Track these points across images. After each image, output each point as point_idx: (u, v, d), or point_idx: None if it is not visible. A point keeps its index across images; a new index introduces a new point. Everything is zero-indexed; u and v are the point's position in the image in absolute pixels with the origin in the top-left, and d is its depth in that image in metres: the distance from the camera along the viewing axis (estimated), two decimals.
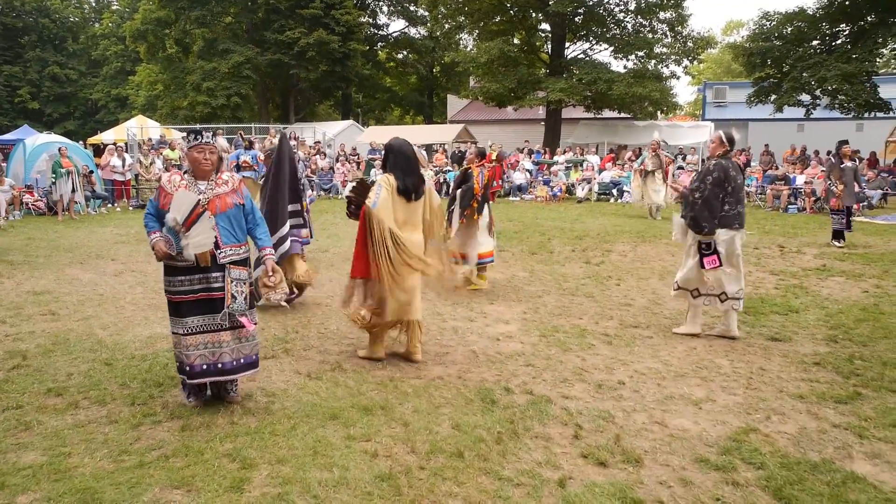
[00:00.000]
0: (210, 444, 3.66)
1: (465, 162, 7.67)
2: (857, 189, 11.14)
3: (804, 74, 19.99)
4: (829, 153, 19.94)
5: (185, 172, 4.12)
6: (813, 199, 15.93)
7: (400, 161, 4.91)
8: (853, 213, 10.97)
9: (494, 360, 5.20)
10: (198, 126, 24.97)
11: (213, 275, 4.03)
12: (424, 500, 3.12)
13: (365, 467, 3.41)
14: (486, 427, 3.91)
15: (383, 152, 5.23)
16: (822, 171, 15.32)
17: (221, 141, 3.95)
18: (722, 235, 5.64)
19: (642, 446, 3.71)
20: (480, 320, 6.38)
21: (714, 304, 5.82)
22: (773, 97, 21.59)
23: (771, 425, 3.99)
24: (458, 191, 7.40)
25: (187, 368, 4.06)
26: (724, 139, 5.75)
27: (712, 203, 5.61)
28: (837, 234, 10.58)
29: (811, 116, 22.06)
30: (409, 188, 4.85)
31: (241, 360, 4.18)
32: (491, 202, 7.71)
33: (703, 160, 18.59)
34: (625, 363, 5.12)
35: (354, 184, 5.21)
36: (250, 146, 18.24)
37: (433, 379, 4.76)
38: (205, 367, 4.06)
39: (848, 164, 10.85)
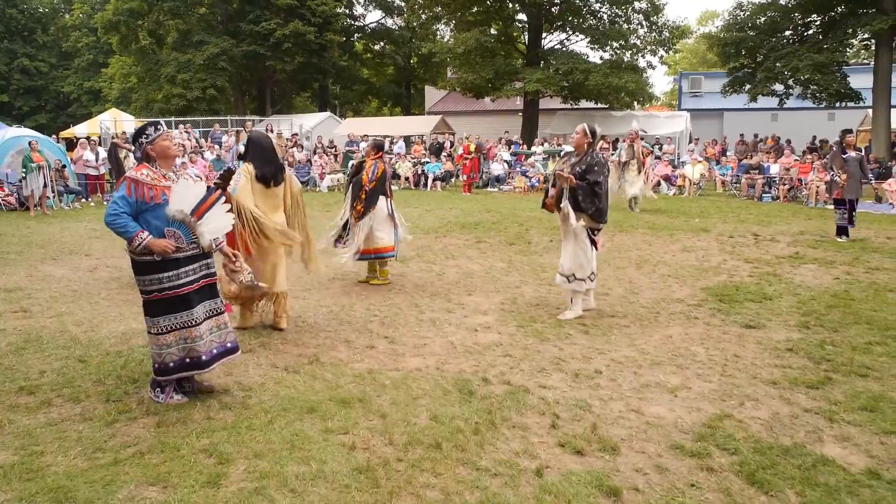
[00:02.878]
0: (186, 440, 3.63)
1: (364, 155, 7.65)
2: (863, 180, 10.73)
3: (777, 64, 20.24)
4: (821, 143, 20.22)
5: (151, 164, 4.03)
6: (787, 188, 16.15)
7: (258, 152, 5.53)
8: (856, 207, 10.48)
9: (472, 350, 5.22)
10: (168, 119, 24.67)
11: (209, 261, 4.17)
12: (402, 491, 3.13)
13: (342, 460, 3.41)
14: (463, 418, 3.92)
15: (244, 145, 5.88)
16: (824, 162, 15.40)
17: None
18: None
19: (619, 434, 3.75)
20: (458, 311, 6.39)
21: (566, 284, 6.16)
22: (748, 87, 21.84)
23: (745, 411, 4.05)
24: (351, 183, 7.43)
25: (187, 361, 4.05)
26: (588, 131, 5.96)
27: (608, 194, 5.98)
28: (841, 230, 10.29)
29: (784, 106, 22.34)
30: (268, 175, 5.45)
31: (231, 344, 4.34)
32: (390, 197, 7.58)
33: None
34: (602, 352, 5.16)
35: (222, 173, 5.77)
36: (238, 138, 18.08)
37: (411, 371, 4.76)
38: (213, 351, 4.13)
39: (852, 154, 10.43)
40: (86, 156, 17.28)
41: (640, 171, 13.74)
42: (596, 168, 5.85)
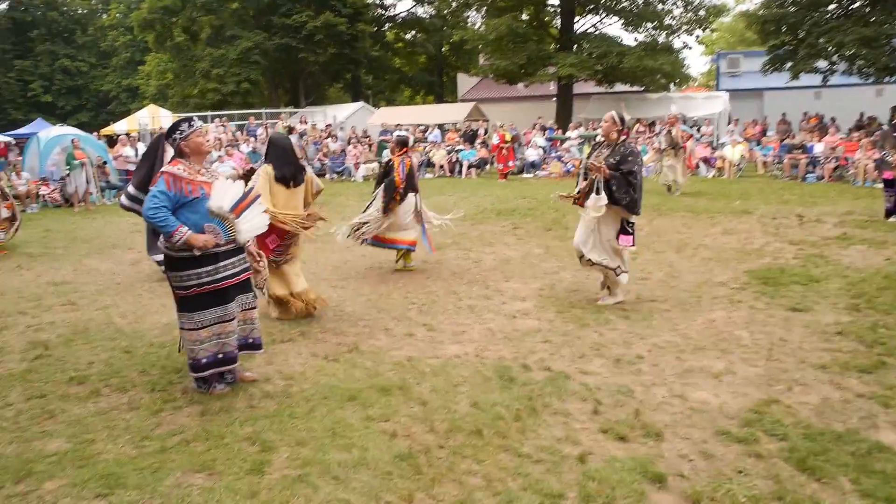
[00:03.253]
0: (230, 428, 3.68)
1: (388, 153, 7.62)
2: None
3: (821, 40, 19.57)
4: (868, 120, 19.56)
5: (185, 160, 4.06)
6: (832, 167, 15.67)
7: (278, 153, 5.65)
8: None
9: (511, 337, 5.18)
10: (203, 113, 25.02)
11: (244, 255, 4.23)
12: (444, 478, 3.12)
13: (384, 447, 3.42)
14: (504, 404, 3.90)
15: (266, 146, 6.04)
16: (873, 139, 14.85)
17: None
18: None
19: (662, 420, 3.69)
20: (496, 298, 6.35)
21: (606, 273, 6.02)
22: (789, 65, 21.17)
23: (793, 396, 3.94)
24: (382, 185, 7.31)
25: (220, 356, 4.10)
26: (618, 119, 5.78)
27: (642, 184, 5.76)
28: (890, 212, 9.85)
29: (828, 83, 21.62)
30: (287, 176, 5.56)
31: (254, 339, 4.42)
32: (417, 191, 7.52)
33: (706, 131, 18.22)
34: (643, 337, 5.08)
35: (244, 172, 5.81)
36: (290, 131, 18.36)
37: (450, 358, 4.75)
38: (203, 360, 4.10)
39: None
40: (125, 152, 17.63)
41: (678, 157, 13.32)
42: (630, 158, 5.68)
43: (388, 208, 7.24)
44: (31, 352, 5.14)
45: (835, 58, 20.17)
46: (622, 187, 5.65)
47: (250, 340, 4.37)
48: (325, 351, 4.96)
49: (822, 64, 20.70)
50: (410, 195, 7.36)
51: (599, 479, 3.08)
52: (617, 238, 5.79)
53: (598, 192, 5.66)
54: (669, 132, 13.37)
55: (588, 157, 6.07)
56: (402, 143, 7.59)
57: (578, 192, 5.97)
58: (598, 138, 6.36)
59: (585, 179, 5.93)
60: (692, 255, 7.92)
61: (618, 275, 5.92)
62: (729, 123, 22.36)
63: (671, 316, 5.61)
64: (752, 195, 13.17)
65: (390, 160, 7.49)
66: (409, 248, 7.53)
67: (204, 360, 4.06)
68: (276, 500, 2.96)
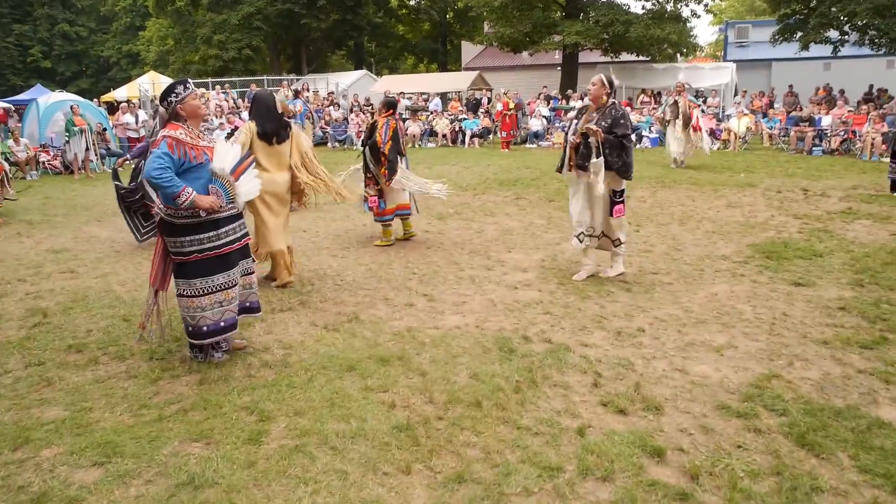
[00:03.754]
0: (228, 398, 3.67)
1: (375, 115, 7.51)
2: None
3: (833, 9, 19.18)
4: (878, 92, 19.30)
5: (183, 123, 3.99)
6: (840, 140, 15.49)
7: (261, 110, 5.63)
8: None
9: (512, 308, 5.15)
10: (205, 80, 24.75)
11: (243, 220, 4.21)
12: (442, 450, 3.11)
13: (382, 418, 3.40)
14: (504, 376, 3.88)
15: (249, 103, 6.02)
16: (882, 112, 14.62)
17: None
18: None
19: (662, 394, 3.67)
20: (498, 269, 6.31)
21: (606, 245, 5.92)
22: (799, 34, 20.79)
23: (794, 371, 3.92)
24: (367, 148, 7.22)
25: (221, 324, 4.06)
26: (606, 82, 5.60)
27: (632, 148, 5.60)
28: (895, 186, 9.73)
29: (839, 54, 21.27)
30: (269, 132, 5.52)
31: (251, 304, 4.41)
32: (404, 154, 7.40)
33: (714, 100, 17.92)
34: (644, 310, 5.05)
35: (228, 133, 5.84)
36: (296, 95, 18.21)
37: (450, 329, 4.73)
38: (205, 328, 4.05)
39: None
40: (126, 119, 17.48)
41: (685, 128, 12.93)
42: (622, 121, 5.51)
43: (377, 172, 7.15)
44: (30, 319, 5.13)
45: (846, 28, 19.79)
46: (615, 151, 5.46)
47: (248, 304, 4.35)
48: (325, 320, 4.94)
49: (833, 34, 20.33)
50: (402, 160, 7.26)
51: (598, 452, 3.06)
52: (611, 210, 5.66)
53: (598, 156, 5.48)
54: (676, 102, 13.00)
55: (575, 124, 5.82)
56: (389, 105, 7.43)
57: (569, 160, 5.73)
58: (576, 104, 6.18)
59: (574, 148, 5.67)
60: (695, 228, 7.85)
61: (616, 246, 5.86)
62: (736, 95, 22.08)
63: (673, 289, 5.57)
64: (758, 168, 13.05)
65: (375, 120, 7.39)
66: (403, 212, 7.44)
67: (205, 328, 4.02)
68: (273, 470, 2.96)
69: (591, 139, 5.49)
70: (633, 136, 5.66)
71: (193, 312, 4.01)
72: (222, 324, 4.07)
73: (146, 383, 3.92)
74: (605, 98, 5.60)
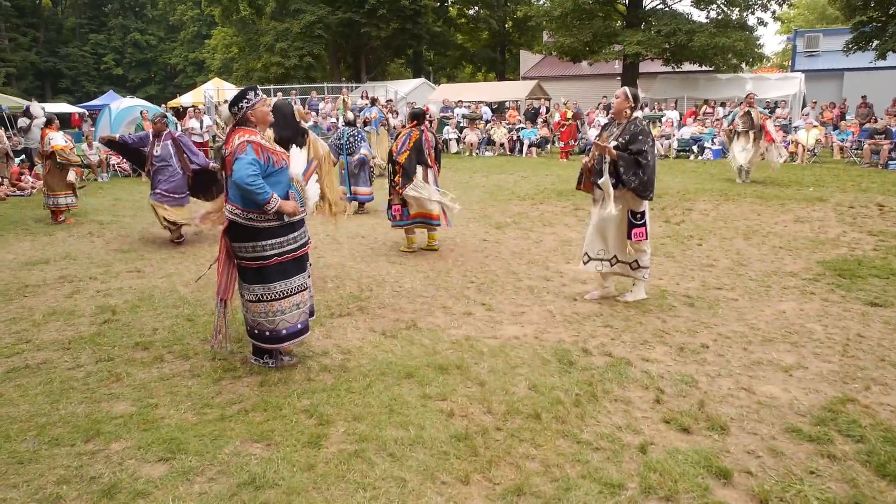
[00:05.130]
0: (288, 400, 3.71)
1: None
2: None
3: None
4: None
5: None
6: None
7: (278, 118, 5.53)
8: None
9: (571, 320, 5.07)
10: (266, 87, 25.34)
11: (306, 225, 4.23)
12: (501, 461, 3.07)
13: (441, 426, 3.38)
14: (563, 389, 3.82)
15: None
16: None
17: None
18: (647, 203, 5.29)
19: (728, 413, 3.54)
20: (556, 280, 6.23)
21: (624, 270, 5.53)
22: (876, 43, 19.96)
23: (871, 396, 3.73)
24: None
25: (299, 326, 4.12)
26: (630, 95, 5.32)
27: (655, 166, 5.23)
28: None
29: None
30: (285, 139, 5.42)
31: (312, 305, 4.36)
32: (432, 166, 7.31)
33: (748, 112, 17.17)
34: (708, 326, 4.90)
35: None
36: (373, 103, 18.53)
37: (509, 339, 4.68)
38: (284, 331, 4.08)
39: None
40: (191, 124, 18.04)
41: (756, 140, 12.23)
42: (640, 137, 5.22)
43: (392, 183, 7.28)
44: (100, 316, 5.32)
45: None
46: (630, 168, 5.19)
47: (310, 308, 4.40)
48: (383, 327, 4.96)
49: None
50: (419, 169, 7.20)
51: (661, 470, 2.97)
52: (629, 233, 5.32)
53: (602, 176, 5.28)
54: (749, 112, 12.32)
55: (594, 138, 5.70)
56: (413, 116, 7.49)
57: (583, 178, 5.60)
58: (606, 118, 5.93)
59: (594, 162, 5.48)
60: (761, 243, 7.60)
61: (633, 269, 5.47)
62: (804, 106, 21.35)
63: (738, 305, 5.40)
64: (828, 182, 12.56)
65: (400, 131, 7.53)
66: (429, 221, 7.40)
67: (284, 331, 4.06)
68: (332, 474, 2.97)
69: (599, 155, 5.32)
70: (654, 152, 5.28)
71: (273, 317, 4.02)
72: (299, 326, 4.13)
73: (209, 382, 4.00)
74: (628, 112, 5.35)
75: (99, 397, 3.83)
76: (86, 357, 4.45)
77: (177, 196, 8.09)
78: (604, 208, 5.32)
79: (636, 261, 5.43)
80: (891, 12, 19.60)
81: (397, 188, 7.19)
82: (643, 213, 5.31)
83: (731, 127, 12.71)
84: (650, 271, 5.60)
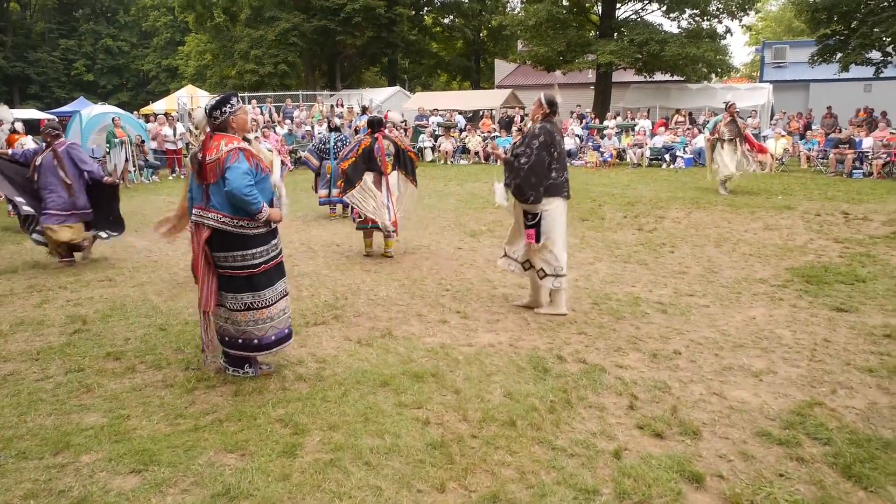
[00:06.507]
0: (262, 409, 3.69)
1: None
2: None
3: (875, 30, 18.86)
4: None
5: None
6: (881, 163, 15.16)
7: None
8: None
9: (546, 327, 5.11)
10: (241, 94, 25.18)
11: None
12: (477, 468, 3.09)
13: (416, 435, 3.39)
14: (538, 396, 3.84)
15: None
16: None
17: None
18: (547, 205, 5.24)
19: (700, 418, 3.59)
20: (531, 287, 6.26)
21: (516, 270, 5.62)
22: (840, 55, 20.48)
23: (838, 399, 3.81)
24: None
25: (286, 332, 4.14)
26: (545, 102, 5.31)
27: (539, 170, 5.17)
28: None
29: (880, 76, 20.89)
30: None
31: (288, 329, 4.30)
32: (385, 174, 7.32)
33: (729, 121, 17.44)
34: (680, 332, 4.97)
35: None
36: (364, 111, 18.49)
37: (484, 346, 4.70)
38: (273, 337, 4.08)
39: None
40: (164, 131, 17.86)
41: (739, 147, 12.22)
42: (527, 140, 5.27)
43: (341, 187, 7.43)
44: (70, 325, 5.24)
45: (889, 48, 19.43)
46: (509, 172, 5.29)
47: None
48: (359, 335, 4.95)
49: (875, 55, 19.99)
50: (371, 175, 7.24)
51: (635, 475, 3.01)
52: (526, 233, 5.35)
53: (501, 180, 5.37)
54: (734, 121, 12.33)
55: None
56: (370, 124, 7.57)
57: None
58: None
59: None
60: (732, 250, 7.73)
61: (540, 278, 5.41)
62: (773, 116, 21.80)
63: (710, 312, 5.48)
64: (795, 190, 12.83)
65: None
66: (371, 226, 7.44)
67: (273, 337, 4.06)
68: (307, 484, 2.95)
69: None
70: (538, 156, 5.17)
71: (263, 324, 4.01)
72: (286, 331, 4.15)
73: (182, 392, 3.96)
74: (539, 118, 5.37)
75: (69, 409, 3.76)
76: (55, 368, 4.37)
77: (63, 214, 7.24)
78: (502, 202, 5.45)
79: (542, 268, 5.40)
80: (853, 26, 20.14)
81: (339, 192, 7.37)
82: (535, 215, 5.29)
83: (714, 136, 12.55)
84: (563, 282, 5.42)
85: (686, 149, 18.42)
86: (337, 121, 10.83)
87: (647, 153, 18.83)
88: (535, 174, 5.17)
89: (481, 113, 26.04)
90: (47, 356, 4.58)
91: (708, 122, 19.10)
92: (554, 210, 5.29)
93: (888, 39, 18.89)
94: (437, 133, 21.67)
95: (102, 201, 7.59)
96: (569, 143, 19.97)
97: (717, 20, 24.16)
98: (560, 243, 5.36)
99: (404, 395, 3.85)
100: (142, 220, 10.45)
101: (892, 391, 3.90)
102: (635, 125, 20.29)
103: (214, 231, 3.87)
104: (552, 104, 5.35)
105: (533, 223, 5.28)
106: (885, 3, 19.82)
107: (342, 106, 23.26)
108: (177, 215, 5.37)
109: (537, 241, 5.28)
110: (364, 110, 19.24)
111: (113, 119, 15.87)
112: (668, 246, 8.00)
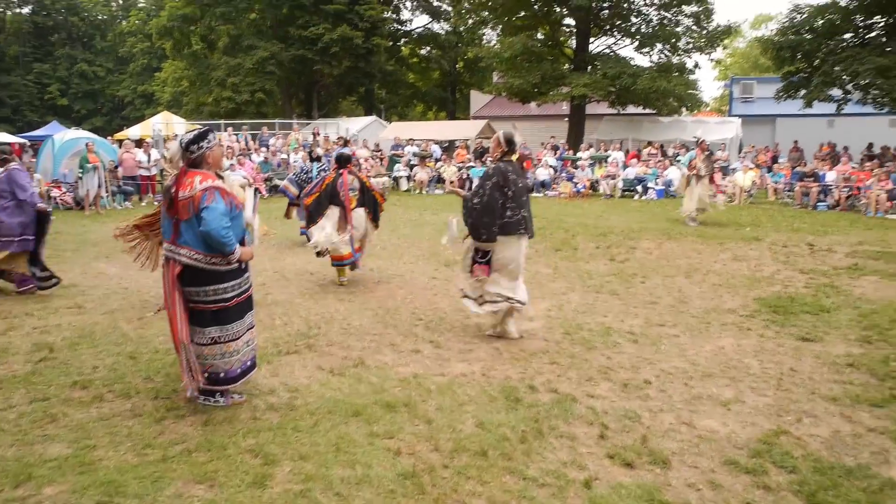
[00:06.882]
0: (233, 440, 3.65)
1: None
2: None
3: (836, 68, 19.55)
4: (882, 150, 19.47)
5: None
6: (845, 196, 15.59)
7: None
8: None
9: (518, 357, 5.14)
10: (217, 122, 25.16)
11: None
12: (448, 499, 3.08)
13: (388, 465, 3.38)
14: (510, 426, 3.86)
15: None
16: (887, 169, 14.66)
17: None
18: (504, 242, 5.34)
19: (670, 447, 3.64)
20: None
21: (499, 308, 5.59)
22: (803, 92, 21.15)
23: (803, 428, 3.89)
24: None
25: (248, 364, 4.12)
26: (503, 140, 5.43)
27: (492, 209, 5.25)
28: None
29: (842, 112, 21.58)
30: None
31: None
32: (347, 209, 7.32)
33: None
34: (651, 362, 5.03)
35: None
36: (345, 144, 18.52)
37: (457, 376, 4.71)
38: (238, 370, 4.07)
39: None
40: (139, 156, 17.73)
41: (709, 183, 12.56)
42: (479, 180, 5.40)
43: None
44: (36, 354, 5.13)
45: (849, 87, 20.13)
46: (465, 210, 5.42)
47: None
48: (331, 364, 4.93)
49: (836, 92, 20.67)
50: (335, 210, 7.30)
51: None
52: (472, 267, 5.47)
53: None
54: (709, 156, 12.65)
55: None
56: (337, 160, 7.64)
57: None
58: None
59: None
60: (702, 281, 7.87)
61: (480, 304, 5.52)
62: (741, 149, 22.33)
63: (680, 341, 5.56)
64: (763, 222, 13.12)
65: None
66: (345, 262, 7.47)
67: (239, 370, 4.06)
68: None
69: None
70: (490, 196, 5.27)
71: (229, 357, 4.01)
72: (249, 363, 4.14)
73: (151, 422, 3.90)
74: (498, 156, 5.48)
75: (32, 439, 3.68)
76: (19, 397, 4.28)
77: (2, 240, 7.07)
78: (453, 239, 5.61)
79: (481, 295, 5.52)
80: (815, 64, 20.84)
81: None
82: (484, 253, 5.39)
83: (692, 172, 12.62)
84: (494, 307, 5.51)
85: (658, 180, 18.77)
86: (319, 150, 10.83)
87: (620, 184, 19.14)
88: (488, 214, 5.27)
89: (457, 143, 26.29)
90: (11, 385, 4.48)
91: (678, 154, 19.56)
92: (507, 248, 5.38)
93: (847, 78, 19.56)
94: (412, 162, 21.80)
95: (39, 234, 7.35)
96: (543, 174, 20.26)
97: (686, 55, 24.86)
98: (509, 278, 5.45)
99: (376, 425, 3.84)
100: (113, 246, 10.31)
101: (855, 420, 3.98)
102: (608, 157, 20.64)
103: (186, 267, 3.86)
104: (510, 142, 5.45)
105: (485, 260, 5.38)
106: (844, 44, 20.58)
107: (319, 135, 23.34)
108: (136, 222, 5.53)
109: (488, 274, 5.39)
110: (346, 143, 19.33)
111: (87, 144, 15.73)
112: (640, 276, 8.12)
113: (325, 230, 7.20)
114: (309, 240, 7.52)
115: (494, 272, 5.39)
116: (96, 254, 9.69)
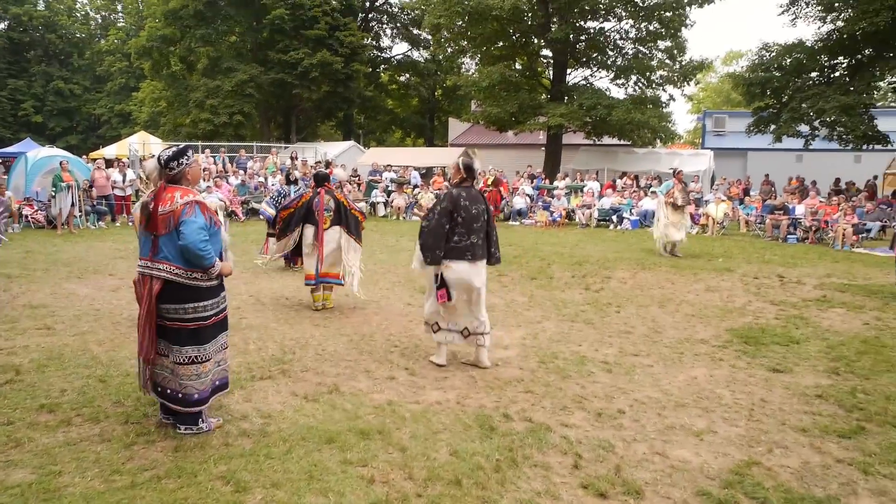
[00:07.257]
0: (204, 466, 3.59)
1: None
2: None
3: (803, 105, 20.15)
4: (847, 185, 19.98)
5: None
6: (814, 230, 15.94)
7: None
8: None
9: (493, 385, 5.14)
10: (195, 143, 25.05)
11: None
12: None
13: (361, 493, 3.35)
14: (484, 454, 3.85)
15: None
16: (852, 204, 15.00)
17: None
18: (452, 266, 5.39)
19: (643, 477, 3.65)
20: None
21: (455, 340, 5.64)
22: (773, 127, 21.74)
23: (773, 458, 3.93)
24: None
25: (217, 384, 4.11)
26: (461, 167, 5.51)
27: (437, 233, 5.34)
28: None
29: (810, 147, 22.19)
30: None
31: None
32: (320, 228, 7.37)
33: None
34: (625, 392, 5.07)
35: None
36: (327, 165, 18.56)
37: (431, 404, 4.70)
38: (209, 390, 4.06)
39: None
40: (114, 176, 17.56)
41: (685, 214, 12.75)
42: (434, 203, 5.50)
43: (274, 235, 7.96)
44: (1, 376, 5.02)
45: (816, 123, 20.74)
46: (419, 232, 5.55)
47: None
48: (305, 390, 4.89)
49: (804, 128, 21.27)
50: (310, 229, 7.44)
51: None
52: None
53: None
54: (685, 187, 12.82)
55: None
56: (315, 178, 7.80)
57: None
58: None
59: None
60: (675, 311, 7.96)
61: (434, 332, 5.63)
62: (713, 181, 22.79)
63: (653, 371, 5.61)
64: (735, 254, 13.35)
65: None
66: (324, 280, 7.54)
67: (210, 389, 4.03)
68: None
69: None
70: (439, 220, 5.38)
71: (204, 378, 3.98)
72: (218, 382, 4.14)
73: (120, 447, 3.82)
74: (456, 181, 5.58)
75: None
76: None
77: None
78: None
79: (466, 328, 5.59)
80: (784, 100, 21.45)
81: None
82: (438, 276, 5.44)
83: (670, 200, 12.65)
84: (489, 337, 5.65)
85: (632, 210, 19.03)
86: (296, 173, 10.85)
87: (595, 214, 19.37)
88: (433, 237, 5.36)
89: (434, 170, 26.45)
90: None
91: (650, 184, 19.89)
92: (454, 272, 5.41)
93: (814, 115, 20.17)
94: (389, 189, 21.87)
95: None
96: (519, 203, 20.45)
97: (661, 88, 25.43)
98: (465, 304, 5.52)
99: (350, 453, 3.81)
100: (85, 266, 10.18)
101: (824, 450, 4.04)
102: (584, 186, 20.91)
103: (165, 283, 3.83)
104: (469, 169, 5.52)
105: (439, 284, 5.44)
106: (811, 82, 21.23)
107: (297, 158, 23.34)
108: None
109: (449, 300, 5.43)
110: (328, 165, 19.35)
111: (61, 163, 15.56)
112: (615, 306, 8.19)
113: (284, 245, 7.70)
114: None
115: (452, 298, 5.45)
116: (67, 274, 9.54)
